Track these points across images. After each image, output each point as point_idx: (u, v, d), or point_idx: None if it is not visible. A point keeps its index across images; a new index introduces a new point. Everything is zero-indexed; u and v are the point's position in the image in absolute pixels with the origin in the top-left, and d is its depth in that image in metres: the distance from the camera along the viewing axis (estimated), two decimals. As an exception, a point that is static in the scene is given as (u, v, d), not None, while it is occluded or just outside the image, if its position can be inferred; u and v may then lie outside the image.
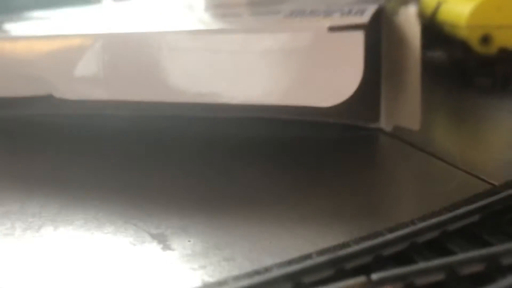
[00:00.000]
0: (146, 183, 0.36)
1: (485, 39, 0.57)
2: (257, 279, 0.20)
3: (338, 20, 0.35)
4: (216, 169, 0.38)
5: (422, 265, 0.20)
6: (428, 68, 0.68)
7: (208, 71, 0.37)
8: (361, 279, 0.19)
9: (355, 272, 0.20)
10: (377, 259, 0.21)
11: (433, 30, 0.69)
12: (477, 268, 0.20)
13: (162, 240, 0.28)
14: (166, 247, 0.28)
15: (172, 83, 0.38)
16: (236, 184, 0.35)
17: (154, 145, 0.43)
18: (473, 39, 0.58)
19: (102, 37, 0.40)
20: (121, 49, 0.40)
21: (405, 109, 0.41)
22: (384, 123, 0.43)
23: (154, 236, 0.29)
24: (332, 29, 0.34)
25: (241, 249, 0.27)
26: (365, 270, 0.20)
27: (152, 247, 0.28)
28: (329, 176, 0.36)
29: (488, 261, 0.20)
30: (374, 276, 0.19)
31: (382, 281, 0.19)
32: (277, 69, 0.36)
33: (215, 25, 0.42)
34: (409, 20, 0.39)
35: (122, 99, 0.41)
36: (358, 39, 0.34)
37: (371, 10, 0.37)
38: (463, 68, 0.59)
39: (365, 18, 0.35)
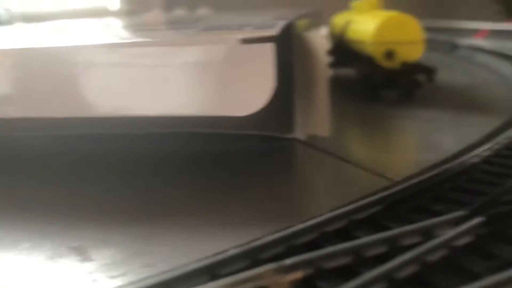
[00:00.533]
0: (63, 200, 0.35)
1: (389, 54, 0.62)
2: (174, 273, 0.20)
3: (250, 33, 0.37)
4: (135, 184, 0.38)
5: (330, 249, 0.21)
6: (341, 83, 0.72)
7: (123, 84, 0.37)
8: (273, 265, 0.20)
9: (270, 262, 0.21)
10: (290, 249, 0.22)
11: (343, 48, 0.73)
12: (380, 250, 0.22)
13: (80, 252, 0.28)
14: (85, 258, 0.27)
15: (87, 97, 0.38)
16: (155, 197, 0.35)
17: (70, 164, 0.42)
18: (378, 55, 0.62)
19: (14, 53, 0.40)
20: (34, 64, 0.39)
21: (316, 118, 0.43)
22: (299, 133, 0.46)
23: (72, 249, 0.28)
24: (244, 41, 0.35)
25: (161, 255, 0.28)
26: (279, 259, 0.21)
27: (70, 260, 0.27)
28: (247, 185, 0.38)
29: (390, 243, 0.22)
30: (286, 262, 0.20)
31: (293, 266, 0.20)
32: (192, 81, 0.37)
33: (130, 38, 0.42)
34: (315, 34, 0.41)
35: (37, 116, 0.40)
36: (268, 50, 0.36)
37: (281, 24, 0.39)
38: (371, 82, 0.63)
39: (275, 31, 0.36)
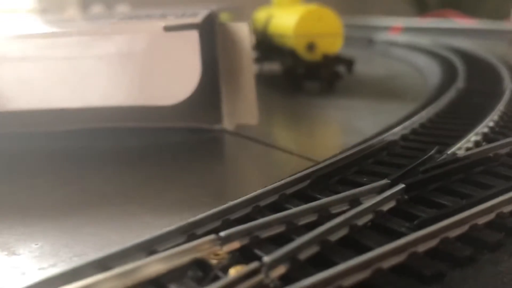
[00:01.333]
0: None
1: (310, 47, 0.64)
2: (111, 251, 0.20)
3: (173, 21, 0.37)
4: (63, 179, 0.37)
5: (264, 219, 0.22)
6: (266, 76, 0.74)
7: (44, 77, 0.36)
8: (210, 237, 0.20)
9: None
10: (226, 223, 0.23)
11: (266, 42, 0.75)
12: (311, 218, 0.23)
13: (5, 247, 0.27)
14: (11, 253, 0.26)
15: (3, 90, 0.36)
16: (85, 191, 0.35)
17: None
18: (300, 48, 0.64)
19: None
20: None
21: (243, 107, 0.44)
22: (227, 123, 0.46)
23: (-4, 245, 0.27)
24: (168, 28, 0.35)
25: (93, 244, 0.27)
26: (216, 233, 0.21)
27: (-4, 255, 0.26)
28: (180, 174, 0.37)
29: (320, 211, 0.23)
30: (222, 234, 0.20)
31: (230, 237, 0.20)
32: (116, 71, 0.36)
33: (47, 29, 0.40)
34: (240, 24, 0.42)
35: None
36: (193, 38, 0.36)
37: (203, 13, 0.39)
38: (294, 74, 0.64)
39: (198, 19, 0.37)
